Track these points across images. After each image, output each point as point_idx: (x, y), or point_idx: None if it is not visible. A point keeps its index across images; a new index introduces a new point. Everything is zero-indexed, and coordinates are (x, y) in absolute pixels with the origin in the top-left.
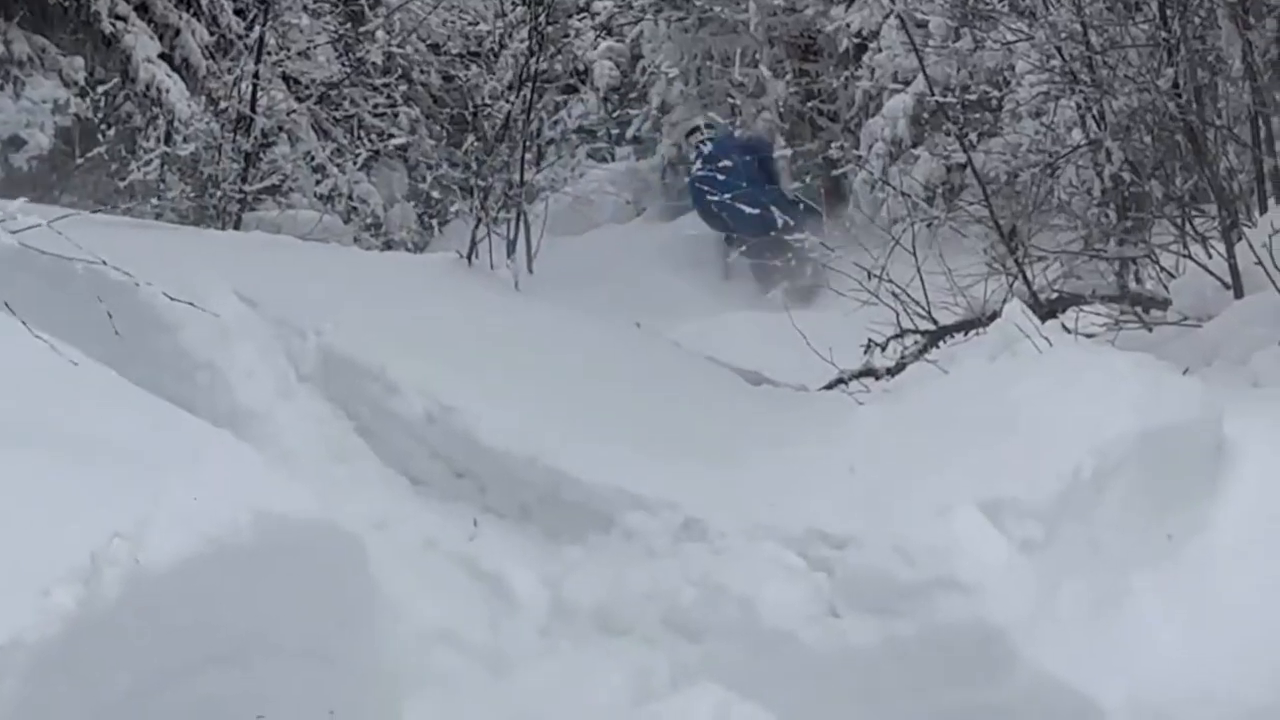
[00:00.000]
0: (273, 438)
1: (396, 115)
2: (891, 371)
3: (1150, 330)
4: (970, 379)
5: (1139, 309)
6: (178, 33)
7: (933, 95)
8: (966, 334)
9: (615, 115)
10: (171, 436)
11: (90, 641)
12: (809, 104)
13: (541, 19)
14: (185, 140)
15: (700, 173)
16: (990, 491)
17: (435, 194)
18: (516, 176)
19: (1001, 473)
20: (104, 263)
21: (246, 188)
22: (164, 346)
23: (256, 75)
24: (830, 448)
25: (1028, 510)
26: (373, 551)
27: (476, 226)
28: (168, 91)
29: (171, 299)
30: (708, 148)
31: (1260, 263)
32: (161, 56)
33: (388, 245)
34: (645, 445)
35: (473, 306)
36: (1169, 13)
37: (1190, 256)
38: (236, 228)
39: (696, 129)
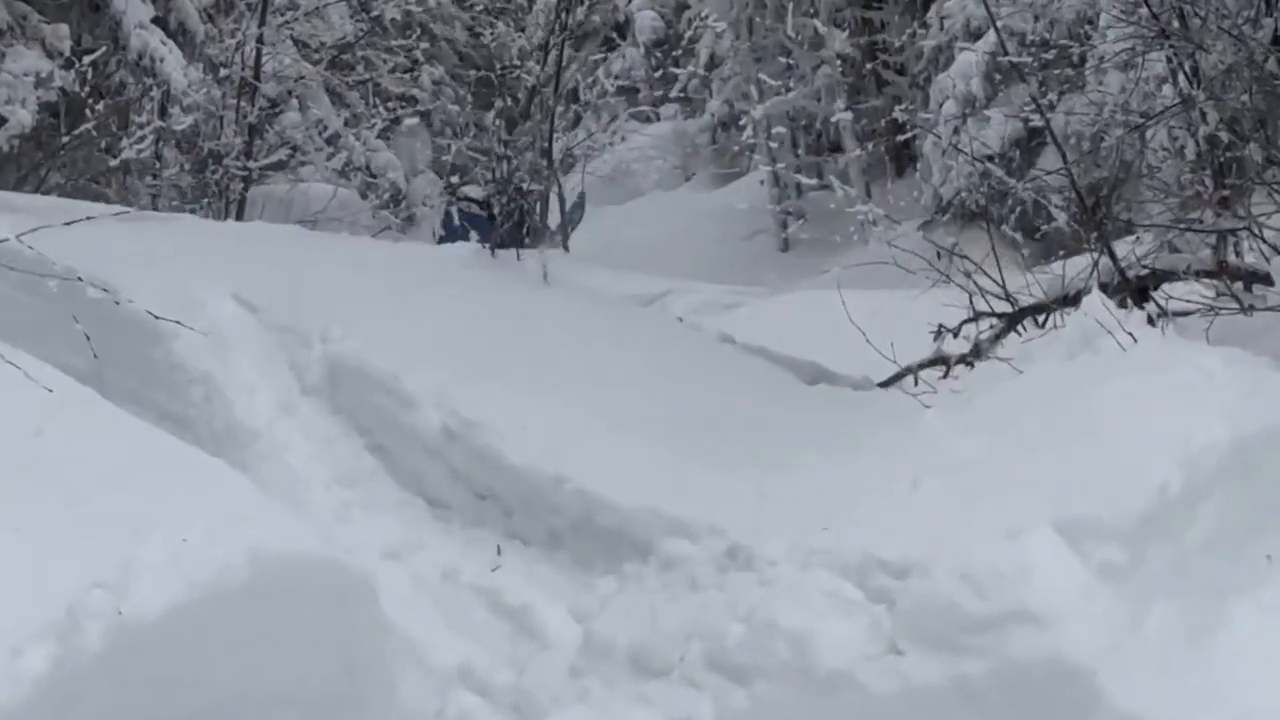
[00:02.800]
0: (275, 458)
1: (417, 76)
2: (965, 360)
3: (1249, 314)
4: (1046, 381)
5: (1239, 285)
6: None
7: (1006, 54)
8: (1047, 317)
9: (660, 72)
10: (158, 467)
11: (64, 705)
12: (873, 58)
13: None
14: (184, 112)
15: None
16: (1067, 510)
17: (466, 158)
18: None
19: (1080, 489)
20: (79, 279)
21: (251, 163)
22: (156, 358)
23: (261, 38)
24: (892, 460)
25: (1109, 531)
26: (386, 585)
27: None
28: (162, 60)
29: (156, 317)
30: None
31: None
32: (155, 21)
33: (410, 220)
34: (687, 462)
35: (496, 305)
36: None
37: None
38: (241, 207)
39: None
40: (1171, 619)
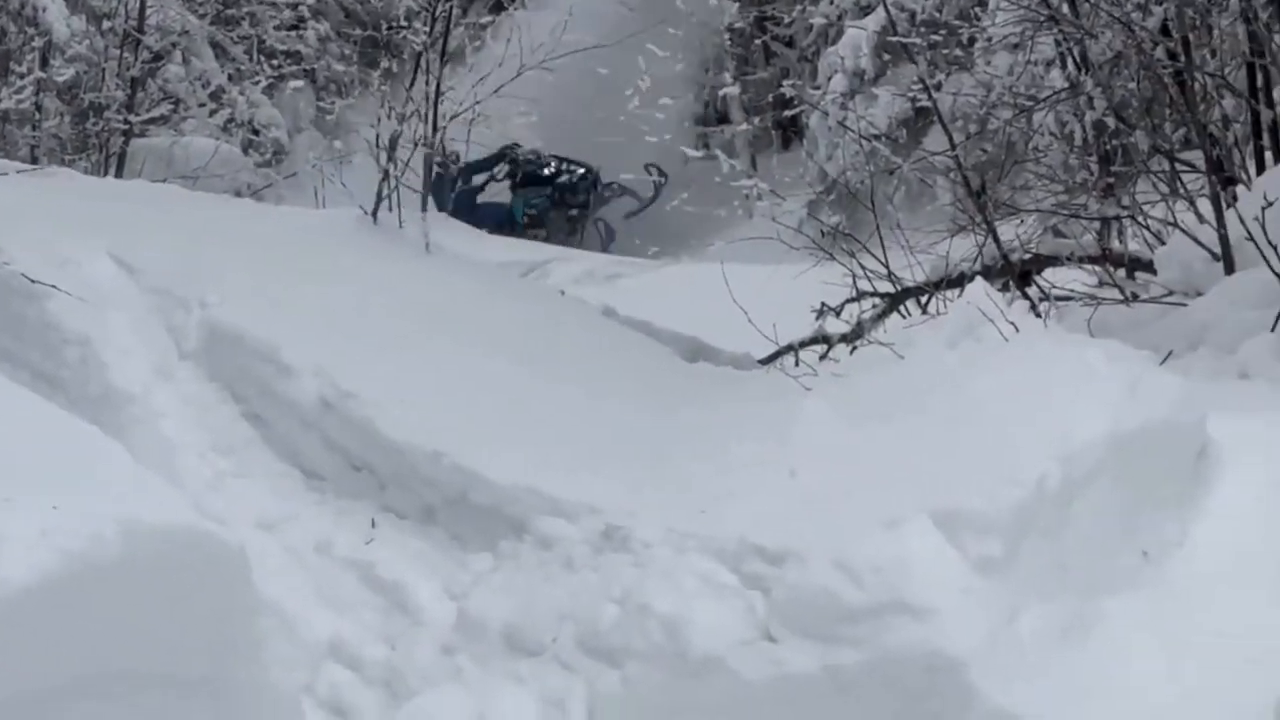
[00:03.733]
0: (149, 424)
1: (303, 33)
2: (846, 339)
3: (1130, 304)
4: (927, 368)
5: (1121, 274)
6: None
7: (895, 32)
8: (929, 299)
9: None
10: (26, 432)
11: None
12: (763, 31)
13: None
14: (66, 63)
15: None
16: (945, 502)
17: (351, 116)
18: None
19: (959, 481)
20: None
21: (133, 116)
22: (30, 316)
23: None
24: (770, 445)
25: (987, 524)
26: (259, 556)
27: (383, 181)
28: (44, 9)
29: (32, 280)
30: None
31: (1251, 238)
32: None
33: (293, 177)
34: (565, 440)
35: (378, 274)
36: None
37: (1175, 222)
38: (121, 160)
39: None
40: (1047, 615)
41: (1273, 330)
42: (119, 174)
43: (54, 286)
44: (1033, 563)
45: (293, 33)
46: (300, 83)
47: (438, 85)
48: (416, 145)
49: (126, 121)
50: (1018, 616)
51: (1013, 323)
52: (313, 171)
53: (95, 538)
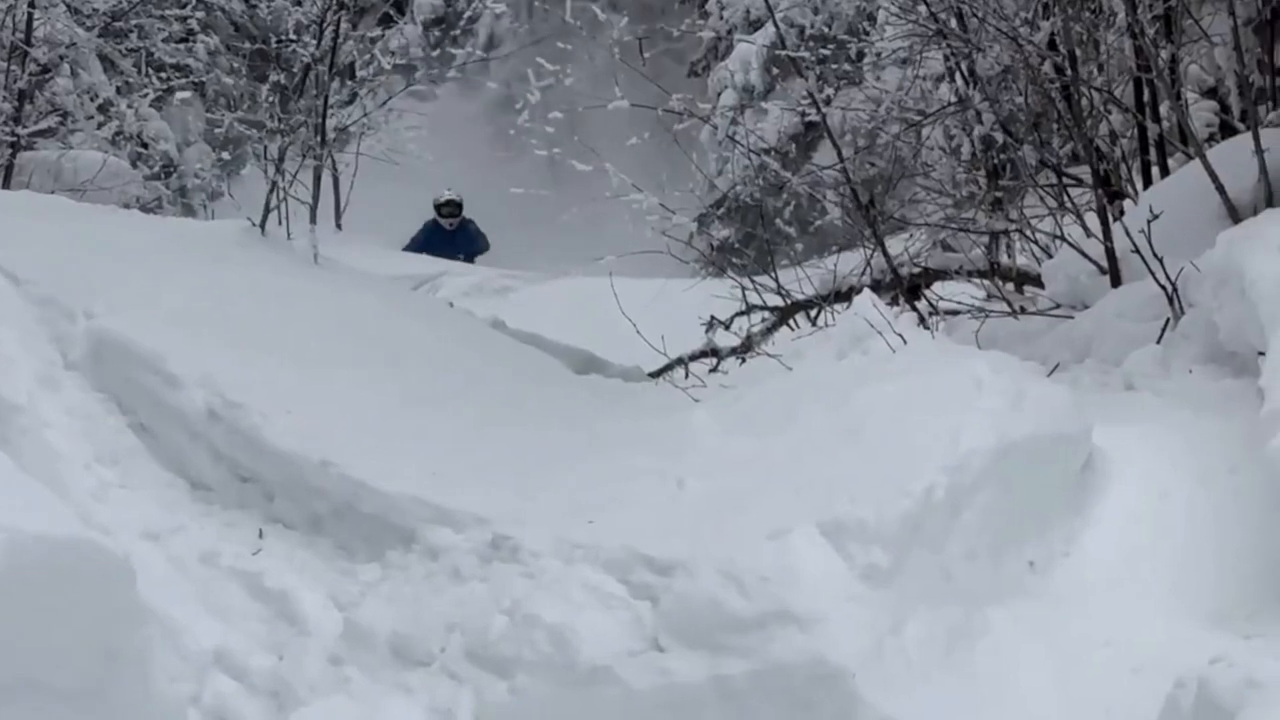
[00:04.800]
0: (34, 434)
1: (192, 46)
2: (736, 353)
3: (1018, 317)
4: (815, 380)
5: (1010, 288)
6: None
7: (784, 48)
8: (819, 312)
9: (438, 50)
10: None
11: None
12: (652, 46)
13: None
14: None
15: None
16: (831, 512)
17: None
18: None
19: (845, 492)
20: None
21: (20, 129)
22: None
23: (32, 2)
24: (658, 457)
25: (873, 534)
26: (144, 567)
27: (271, 191)
28: None
29: None
30: None
31: (1137, 250)
32: None
33: (182, 191)
34: (454, 451)
35: (266, 285)
36: None
37: (1062, 236)
38: (9, 173)
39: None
40: (933, 624)
41: (1158, 342)
42: (6, 186)
43: None
44: (919, 572)
45: (182, 46)
46: (188, 94)
47: (325, 98)
48: (304, 157)
49: (14, 134)
50: (903, 626)
51: (900, 335)
52: (202, 184)
53: None
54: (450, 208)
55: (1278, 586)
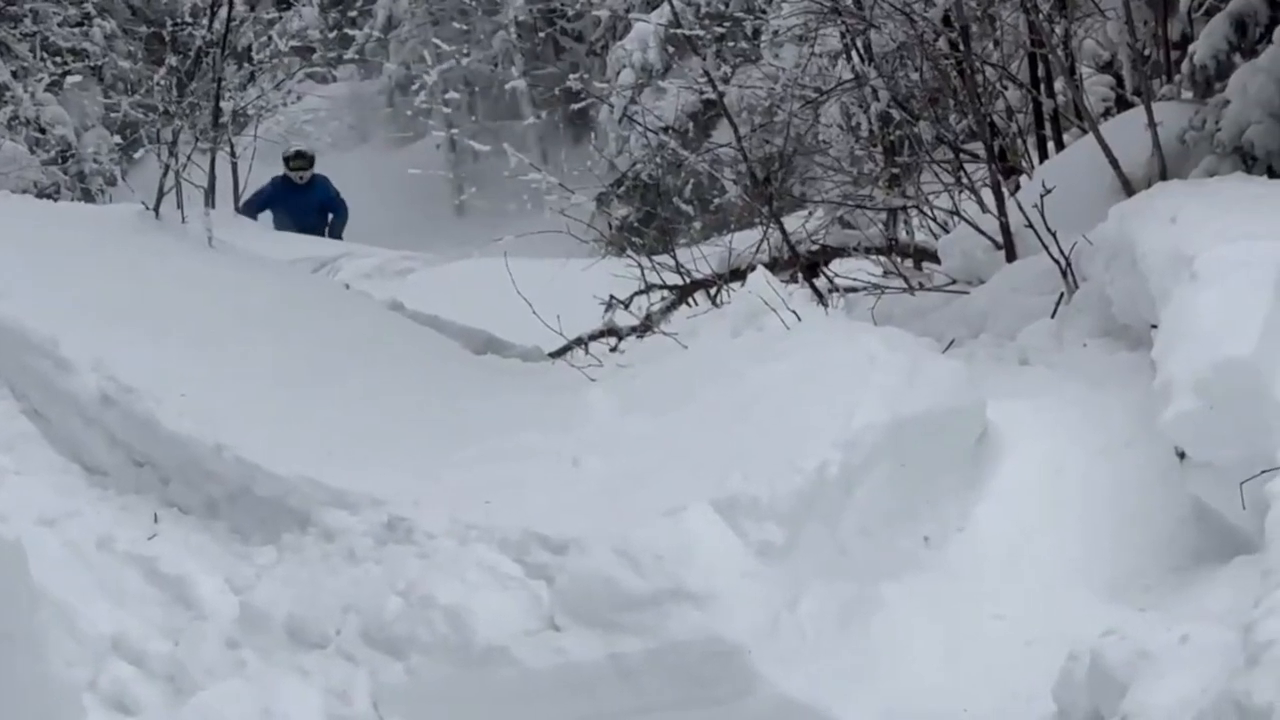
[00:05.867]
0: None
1: (89, 30)
2: (635, 331)
3: (914, 293)
4: (710, 358)
5: (906, 265)
6: None
7: (679, 26)
8: (718, 291)
9: (336, 32)
10: None
11: None
12: (551, 24)
13: None
14: None
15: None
16: (726, 489)
17: (136, 114)
18: (211, 111)
19: (740, 469)
20: None
21: None
22: None
23: None
24: (554, 436)
25: (767, 511)
26: (39, 551)
27: (165, 175)
28: None
29: None
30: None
31: (1031, 225)
32: None
33: (80, 176)
34: (349, 433)
35: (160, 269)
36: None
37: (958, 212)
38: None
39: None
40: (827, 599)
41: (1052, 316)
42: None
43: None
44: (814, 548)
45: (78, 30)
46: (78, 78)
47: (218, 81)
48: (197, 140)
49: None
50: (799, 601)
51: (794, 312)
52: (100, 169)
53: None
54: (300, 160)
55: (1172, 559)
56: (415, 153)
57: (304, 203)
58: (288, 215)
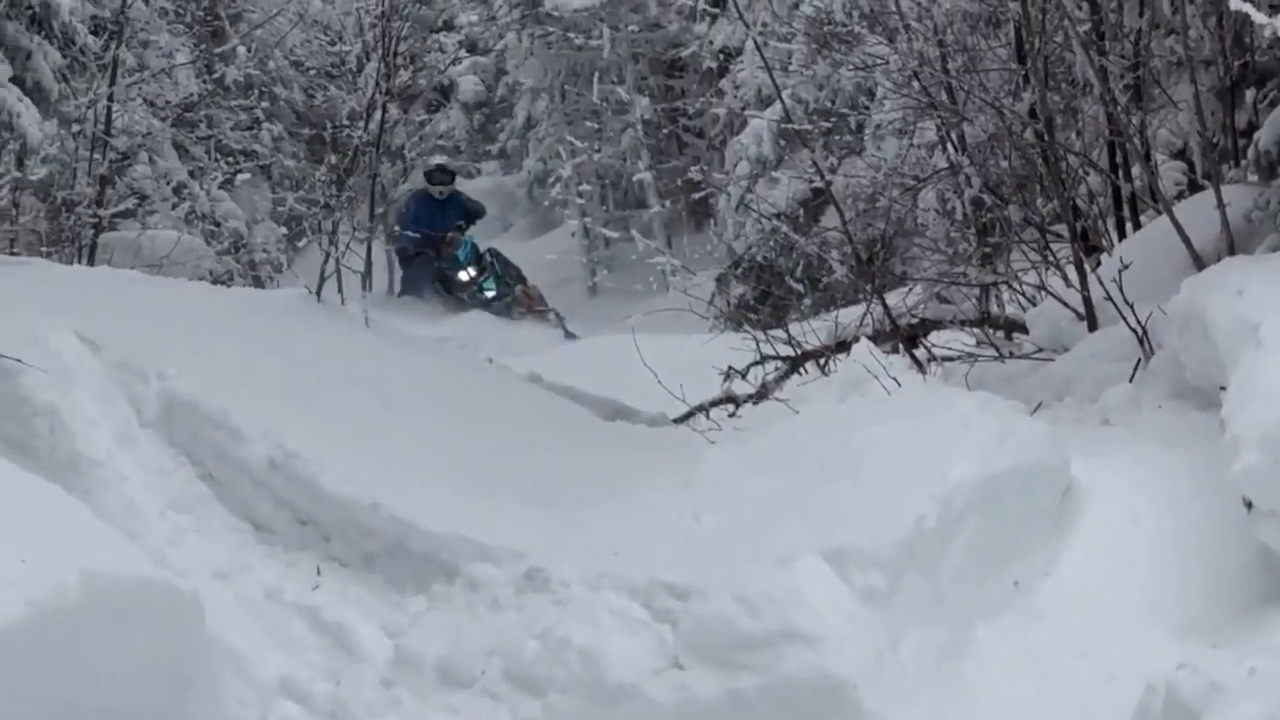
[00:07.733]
0: (113, 487)
1: (258, 133)
2: (751, 399)
3: (1005, 361)
4: (818, 422)
5: (998, 335)
6: (29, 56)
7: (790, 122)
8: (826, 361)
9: (480, 131)
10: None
11: None
12: (673, 122)
13: (392, 36)
14: (40, 163)
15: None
16: (833, 540)
17: (300, 208)
18: (368, 204)
19: (845, 521)
20: None
21: (102, 211)
22: (3, 391)
23: (111, 97)
24: (677, 493)
25: (871, 560)
26: (214, 603)
27: (325, 262)
28: (19, 116)
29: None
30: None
31: (1111, 298)
32: (12, 80)
33: (251, 264)
34: (492, 492)
35: (321, 346)
36: (1025, 37)
37: (1045, 287)
38: (92, 251)
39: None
40: (926, 640)
41: (1130, 381)
42: (90, 264)
43: (19, 360)
44: (913, 593)
45: (249, 133)
46: (247, 175)
47: (374, 177)
48: (355, 231)
49: (96, 216)
50: (900, 642)
51: (895, 379)
52: (268, 258)
53: (59, 587)
54: (441, 174)
55: (1240, 600)
56: (552, 240)
57: (443, 217)
58: (427, 229)
